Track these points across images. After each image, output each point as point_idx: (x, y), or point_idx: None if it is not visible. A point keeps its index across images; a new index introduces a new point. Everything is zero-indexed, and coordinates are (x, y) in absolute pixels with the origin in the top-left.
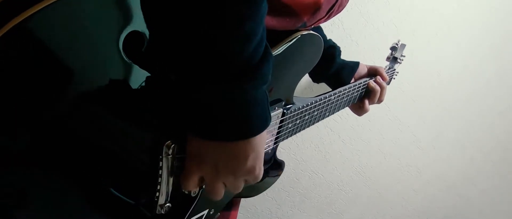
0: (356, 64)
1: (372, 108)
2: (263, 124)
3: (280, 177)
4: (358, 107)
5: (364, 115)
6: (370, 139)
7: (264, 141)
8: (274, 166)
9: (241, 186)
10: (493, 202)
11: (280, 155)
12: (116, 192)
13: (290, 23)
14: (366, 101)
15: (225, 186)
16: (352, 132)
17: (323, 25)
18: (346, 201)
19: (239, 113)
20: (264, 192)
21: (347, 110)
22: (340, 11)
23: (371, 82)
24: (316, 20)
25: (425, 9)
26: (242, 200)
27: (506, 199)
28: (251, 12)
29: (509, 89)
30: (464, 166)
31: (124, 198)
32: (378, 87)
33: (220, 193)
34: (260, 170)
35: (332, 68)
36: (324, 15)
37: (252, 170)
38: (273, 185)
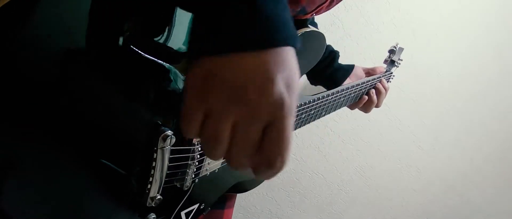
0: (350, 67)
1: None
2: (294, 35)
3: (280, 177)
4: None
5: (364, 115)
6: (370, 139)
7: (295, 61)
8: None
9: (255, 136)
10: (493, 202)
11: None
12: (108, 181)
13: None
14: (373, 93)
15: (234, 135)
16: (352, 132)
17: (323, 25)
18: (346, 201)
19: (265, 11)
20: (264, 192)
21: (347, 110)
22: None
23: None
24: (316, 6)
25: (425, 9)
26: (242, 200)
27: (506, 199)
28: None
29: (509, 89)
30: (464, 166)
31: (116, 187)
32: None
33: (221, 138)
34: (292, 105)
35: (329, 70)
36: (324, 0)
37: (281, 101)
38: (273, 185)
